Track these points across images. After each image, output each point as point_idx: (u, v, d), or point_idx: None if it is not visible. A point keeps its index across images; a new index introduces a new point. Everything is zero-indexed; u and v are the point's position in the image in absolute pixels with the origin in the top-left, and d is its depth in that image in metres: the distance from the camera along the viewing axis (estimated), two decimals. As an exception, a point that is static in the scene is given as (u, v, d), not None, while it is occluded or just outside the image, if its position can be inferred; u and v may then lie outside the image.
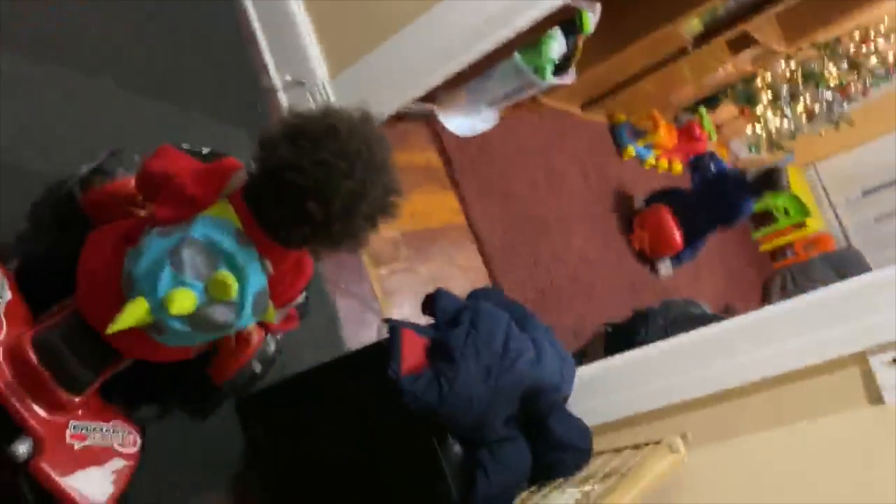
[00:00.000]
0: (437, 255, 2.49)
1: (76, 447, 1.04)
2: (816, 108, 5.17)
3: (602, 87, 3.65)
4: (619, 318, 2.59)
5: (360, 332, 2.01)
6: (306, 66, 2.05)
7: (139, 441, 1.14)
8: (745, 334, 1.57)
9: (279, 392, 1.58)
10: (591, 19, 2.51)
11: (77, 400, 1.04)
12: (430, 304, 1.55)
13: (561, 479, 1.50)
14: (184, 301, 0.93)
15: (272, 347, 1.32)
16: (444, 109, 2.71)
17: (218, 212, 1.00)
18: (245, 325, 1.02)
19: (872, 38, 4.78)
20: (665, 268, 3.83)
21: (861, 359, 1.46)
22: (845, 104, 5.15)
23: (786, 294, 4.88)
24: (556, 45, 2.57)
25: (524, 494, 1.49)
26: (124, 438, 1.11)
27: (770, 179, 3.90)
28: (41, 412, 1.01)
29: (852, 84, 4.99)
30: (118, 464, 1.09)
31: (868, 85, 5.03)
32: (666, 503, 1.49)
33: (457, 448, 1.39)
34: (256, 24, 2.15)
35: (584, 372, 1.74)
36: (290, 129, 0.97)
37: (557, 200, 3.32)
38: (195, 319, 0.96)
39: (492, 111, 2.95)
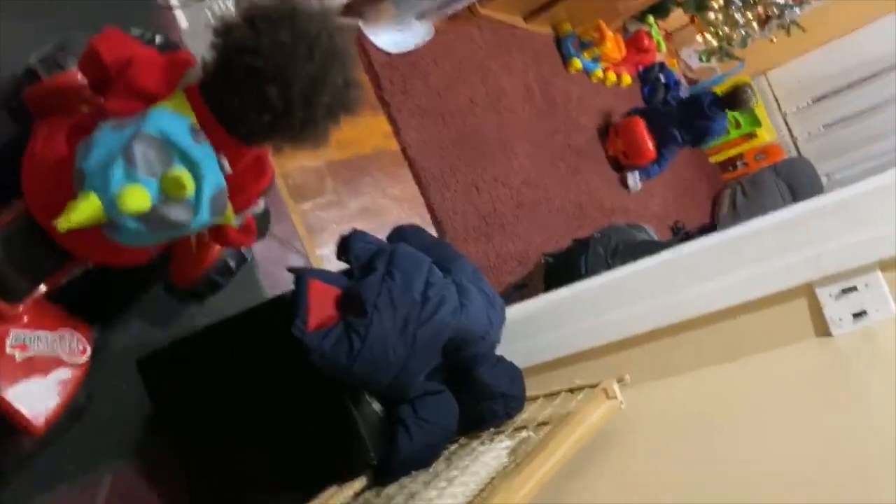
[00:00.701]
0: (368, 186, 2.32)
1: (17, 358, 1.00)
2: (768, 13, 5.01)
3: (545, -5, 3.43)
4: (561, 247, 2.48)
5: (281, 275, 1.85)
6: (204, -21, 1.81)
7: (89, 349, 1.09)
8: (686, 267, 1.46)
9: (183, 347, 1.44)
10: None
11: (16, 309, 1.00)
12: (345, 247, 1.40)
13: (492, 429, 1.40)
14: (137, 199, 0.89)
15: (235, 260, 1.32)
16: (370, 24, 2.49)
17: (173, 105, 0.95)
18: (202, 224, 0.99)
19: (826, -64, 4.59)
20: (633, 180, 4.02)
21: (808, 291, 1.36)
22: (797, 9, 5.00)
23: (735, 208, 4.85)
24: (490, -51, 2.34)
25: (453, 447, 1.39)
26: (72, 347, 1.07)
27: (736, 98, 4.07)
28: None
29: (805, -13, 4.83)
30: (64, 374, 1.04)
31: (821, -13, 4.88)
32: (605, 447, 1.40)
33: (375, 406, 1.27)
34: (146, -70, 1.89)
35: (517, 311, 1.63)
36: (247, 12, 0.93)
37: (499, 120, 3.14)
38: (150, 218, 0.92)
39: (424, 24, 2.73)
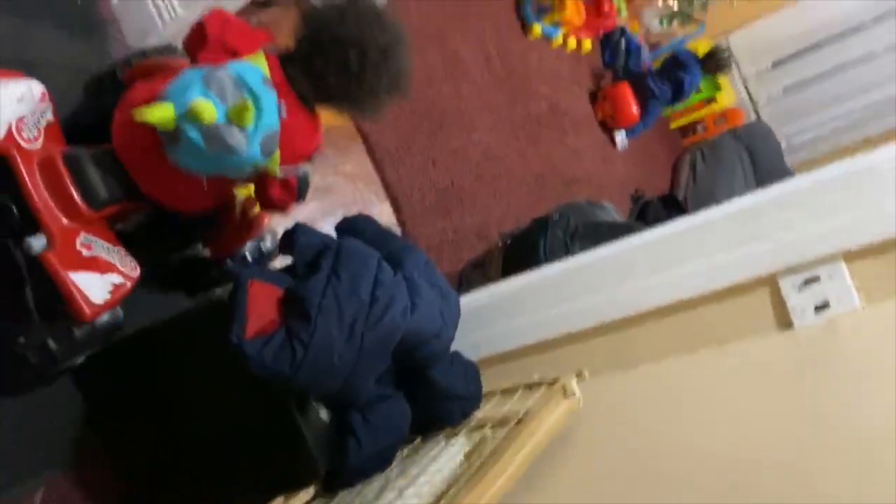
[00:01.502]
0: (320, 164, 2.22)
1: (83, 254, 1.16)
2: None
3: (503, -41, 3.31)
4: (520, 225, 2.42)
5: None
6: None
7: (139, 270, 1.23)
8: (645, 256, 1.41)
9: (119, 351, 1.35)
10: None
11: (91, 212, 1.16)
12: (289, 242, 1.31)
13: (448, 429, 1.35)
14: (205, 110, 1.05)
15: (269, 243, 1.45)
16: (319, -7, 2.36)
17: (251, 59, 1.16)
18: (252, 160, 1.14)
19: None
20: (620, 140, 4.37)
21: (771, 281, 1.32)
22: (758, -29, 4.94)
23: (695, 175, 4.84)
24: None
25: (406, 451, 1.33)
26: (125, 262, 1.22)
27: (713, 61, 4.44)
28: (59, 216, 1.14)
29: (765, -51, 4.76)
30: (117, 279, 1.19)
31: (781, -50, 4.82)
32: (562, 445, 1.36)
33: (322, 413, 1.21)
34: None
35: (473, 299, 1.57)
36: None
37: (457, 90, 3.04)
38: (210, 134, 1.08)
39: (377, -8, 2.60)
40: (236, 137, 1.08)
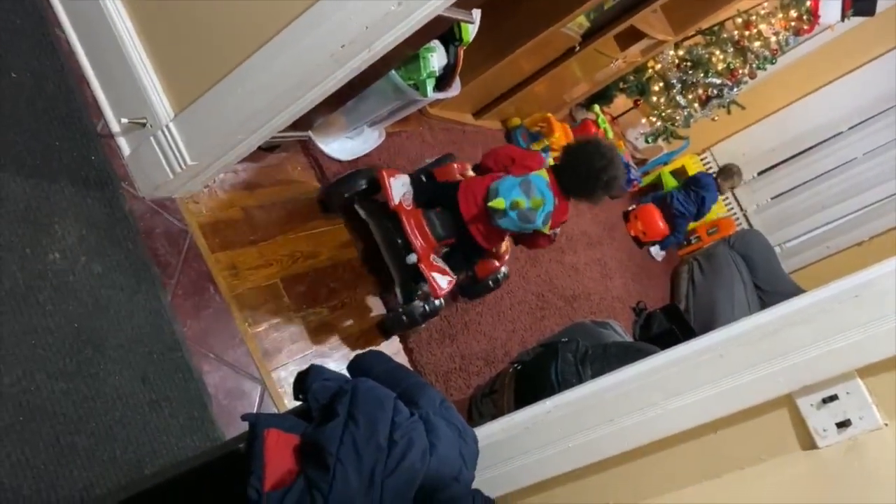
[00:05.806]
0: (325, 298, 2.25)
1: (434, 263, 2.26)
2: (707, 93, 5.18)
3: (493, 92, 3.48)
4: (527, 347, 2.42)
5: (238, 408, 1.75)
6: (146, 104, 1.77)
7: (456, 276, 2.35)
8: (659, 380, 1.40)
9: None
10: (469, 29, 2.31)
11: (434, 242, 2.28)
12: (302, 386, 1.31)
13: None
14: (521, 202, 2.16)
15: (500, 275, 2.72)
16: (320, 134, 2.46)
17: (540, 173, 2.26)
18: (538, 226, 2.22)
19: (754, 22, 4.79)
20: (656, 252, 5.22)
21: (789, 401, 1.31)
22: (735, 88, 5.18)
23: (694, 285, 4.88)
24: (436, 57, 2.36)
25: None
26: (449, 272, 2.32)
27: (726, 173, 5.31)
28: (421, 243, 2.24)
29: (739, 68, 5.01)
30: (450, 278, 2.30)
31: (754, 68, 5.07)
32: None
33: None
34: (86, 62, 1.85)
35: (487, 433, 1.55)
36: (584, 141, 2.39)
37: (455, 217, 3.11)
38: (522, 214, 2.17)
39: (375, 130, 2.72)
40: (533, 213, 2.16)
